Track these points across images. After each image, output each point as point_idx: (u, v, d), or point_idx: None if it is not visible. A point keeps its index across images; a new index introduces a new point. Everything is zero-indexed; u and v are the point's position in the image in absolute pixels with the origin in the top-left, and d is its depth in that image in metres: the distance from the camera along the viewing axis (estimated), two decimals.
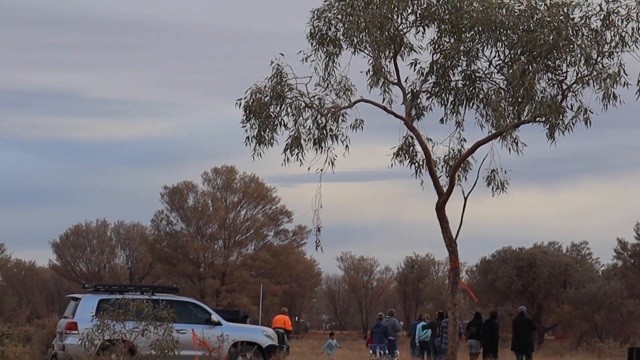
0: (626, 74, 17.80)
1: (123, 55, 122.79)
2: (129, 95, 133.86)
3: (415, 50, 19.14)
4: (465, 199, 19.34)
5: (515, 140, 18.78)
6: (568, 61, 18.22)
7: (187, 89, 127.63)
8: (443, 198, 19.17)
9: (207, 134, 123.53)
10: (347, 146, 19.08)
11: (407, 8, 18.70)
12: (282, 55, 18.58)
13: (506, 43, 18.36)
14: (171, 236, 70.00)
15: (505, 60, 18.72)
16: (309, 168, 18.82)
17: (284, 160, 18.98)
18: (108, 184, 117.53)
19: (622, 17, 17.75)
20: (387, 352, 27.46)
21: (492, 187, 19.33)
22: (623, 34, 17.78)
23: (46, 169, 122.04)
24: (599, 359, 32.79)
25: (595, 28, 17.97)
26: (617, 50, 17.93)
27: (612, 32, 17.88)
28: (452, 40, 18.73)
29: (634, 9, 17.66)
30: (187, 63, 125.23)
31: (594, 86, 18.10)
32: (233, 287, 67.86)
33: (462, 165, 19.49)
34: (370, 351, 28.24)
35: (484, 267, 64.89)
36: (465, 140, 19.42)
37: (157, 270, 73.52)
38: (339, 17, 18.66)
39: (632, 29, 17.75)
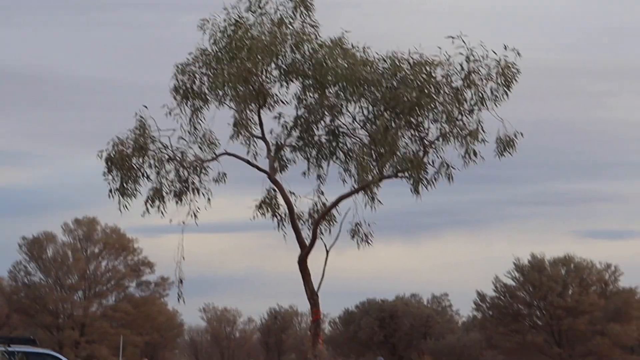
0: (484, 131, 18.23)
1: None
2: None
3: (280, 103, 19.13)
4: (327, 252, 19.30)
5: (373, 197, 18.94)
6: (430, 118, 18.52)
7: (49, 138, 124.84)
8: (305, 251, 19.10)
9: (69, 184, 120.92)
10: (209, 199, 18.83)
11: (272, 63, 18.70)
12: (146, 107, 18.27)
13: (370, 99, 18.52)
14: (29, 287, 67.68)
15: (369, 116, 18.87)
16: (170, 220, 18.51)
17: (144, 211, 18.61)
18: None
19: (482, 77, 18.19)
20: None
21: (357, 240, 19.36)
22: (482, 93, 18.21)
23: None
24: None
25: (457, 87, 18.35)
26: (477, 108, 18.33)
27: (473, 91, 18.29)
28: (317, 95, 18.80)
29: (493, 68, 18.13)
30: (50, 113, 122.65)
31: (454, 143, 18.45)
32: (93, 338, 66.09)
33: (325, 218, 19.47)
34: None
35: (346, 318, 65.26)
36: (323, 194, 19.52)
37: (14, 321, 70.72)
38: (203, 70, 18.50)
39: (491, 88, 18.21)
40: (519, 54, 17.91)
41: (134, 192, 18.43)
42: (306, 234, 19.41)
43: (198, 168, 18.58)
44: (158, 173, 18.46)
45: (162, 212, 18.59)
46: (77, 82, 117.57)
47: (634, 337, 59.04)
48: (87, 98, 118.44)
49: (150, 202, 18.49)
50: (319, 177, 19.49)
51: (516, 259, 61.42)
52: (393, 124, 18.34)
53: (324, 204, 19.51)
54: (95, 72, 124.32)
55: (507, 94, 18.19)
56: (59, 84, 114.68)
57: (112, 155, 18.08)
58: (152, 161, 18.33)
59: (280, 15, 18.66)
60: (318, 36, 18.76)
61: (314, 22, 18.82)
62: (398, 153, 18.49)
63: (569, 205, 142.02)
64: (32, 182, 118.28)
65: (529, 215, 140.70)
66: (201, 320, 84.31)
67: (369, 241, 19.35)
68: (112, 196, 18.34)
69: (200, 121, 18.63)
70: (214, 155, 18.83)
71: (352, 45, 18.54)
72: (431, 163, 18.61)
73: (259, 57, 18.29)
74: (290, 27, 18.69)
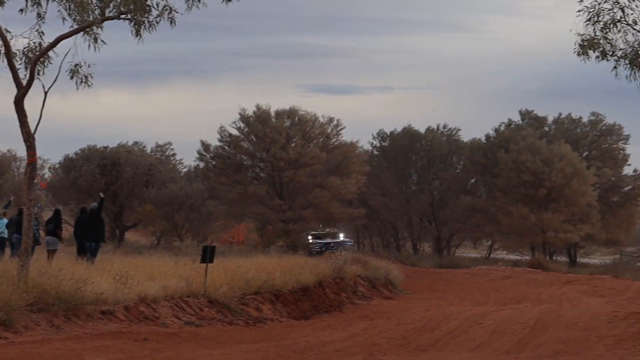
0: None
1: None
2: None
3: None
4: (46, 93, 18.74)
5: (96, 37, 18.35)
6: None
7: None
8: (22, 91, 18.37)
9: None
10: None
11: None
12: None
13: None
14: None
15: None
16: None
17: None
18: None
19: None
20: None
21: (76, 81, 18.77)
22: None
23: None
24: (176, 257, 33.61)
25: None
26: None
27: None
28: None
29: None
30: None
31: None
32: None
33: (43, 58, 18.67)
34: None
35: (67, 164, 63.83)
36: (43, 34, 18.63)
37: None
38: None
39: None
40: None
41: None
42: (23, 74, 18.64)
43: None
44: None
45: None
46: None
47: (353, 190, 61.56)
48: None
49: None
50: (38, 15, 18.57)
51: (242, 110, 61.78)
52: None
53: (40, 44, 18.70)
54: None
55: None
56: None
57: None
58: None
59: None
60: None
61: None
62: None
63: (296, 58, 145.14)
64: None
65: (256, 67, 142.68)
66: None
67: (89, 83, 18.82)
68: None
69: None
70: None
71: None
72: (155, 6, 18.19)
73: None
74: None
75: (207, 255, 23.11)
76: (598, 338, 18.68)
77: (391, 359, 16.21)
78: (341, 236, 54.76)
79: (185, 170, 70.86)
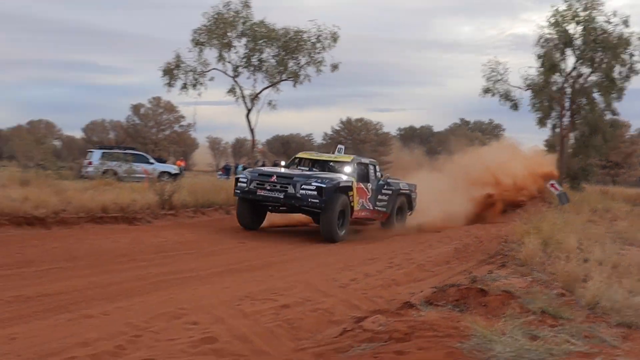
0: None
1: None
2: None
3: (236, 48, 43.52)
4: (249, 111, 44.54)
5: (277, 87, 44.98)
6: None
7: None
8: (248, 110, 44.12)
9: None
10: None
11: (233, 30, 42.92)
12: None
13: (274, 46, 43.24)
14: None
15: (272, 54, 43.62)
16: None
17: None
18: None
19: None
20: None
21: (270, 106, 44.72)
22: None
23: None
24: None
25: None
26: None
27: None
28: (252, 44, 43.28)
29: None
30: None
31: None
32: None
33: (256, 97, 44.57)
34: None
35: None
36: (255, 85, 44.63)
37: None
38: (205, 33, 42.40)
39: None
40: None
41: None
42: (248, 105, 44.45)
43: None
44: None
45: None
46: None
47: None
48: None
49: None
50: (252, 75, 44.10)
51: None
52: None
53: (255, 91, 44.38)
54: None
55: None
56: None
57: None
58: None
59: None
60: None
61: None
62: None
63: None
64: None
65: None
66: None
67: (275, 107, 44.61)
68: None
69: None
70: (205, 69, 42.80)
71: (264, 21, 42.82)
72: (301, 74, 43.63)
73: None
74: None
75: None
76: None
77: None
78: None
79: None
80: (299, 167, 25.14)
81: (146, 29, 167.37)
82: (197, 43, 42.10)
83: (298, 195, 22.13)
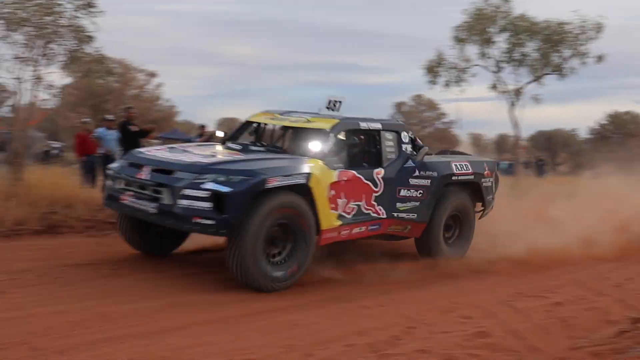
0: None
1: None
2: None
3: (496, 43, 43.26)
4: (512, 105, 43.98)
5: (541, 82, 44.37)
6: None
7: None
8: (513, 104, 43.71)
9: None
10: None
11: (493, 25, 42.66)
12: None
13: (537, 39, 42.53)
14: None
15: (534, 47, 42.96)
16: None
17: None
18: None
19: None
20: None
21: (534, 100, 44.17)
22: None
23: None
24: None
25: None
26: None
27: None
28: (513, 38, 42.83)
29: None
30: None
31: None
32: None
33: (522, 91, 44.11)
34: None
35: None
36: (520, 79, 44.19)
37: None
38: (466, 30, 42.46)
39: None
40: None
41: None
42: (511, 99, 43.83)
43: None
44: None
45: None
46: None
47: None
48: None
49: None
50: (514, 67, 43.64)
51: None
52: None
53: (519, 85, 43.95)
54: None
55: None
56: None
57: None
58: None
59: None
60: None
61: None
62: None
63: None
64: None
65: None
66: None
67: (540, 101, 44.08)
68: None
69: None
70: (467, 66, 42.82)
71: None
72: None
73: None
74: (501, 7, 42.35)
75: None
76: None
77: None
78: None
79: None
80: (255, 143, 14.07)
81: (402, 28, 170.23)
82: (458, 40, 42.09)
83: (176, 209, 11.16)
